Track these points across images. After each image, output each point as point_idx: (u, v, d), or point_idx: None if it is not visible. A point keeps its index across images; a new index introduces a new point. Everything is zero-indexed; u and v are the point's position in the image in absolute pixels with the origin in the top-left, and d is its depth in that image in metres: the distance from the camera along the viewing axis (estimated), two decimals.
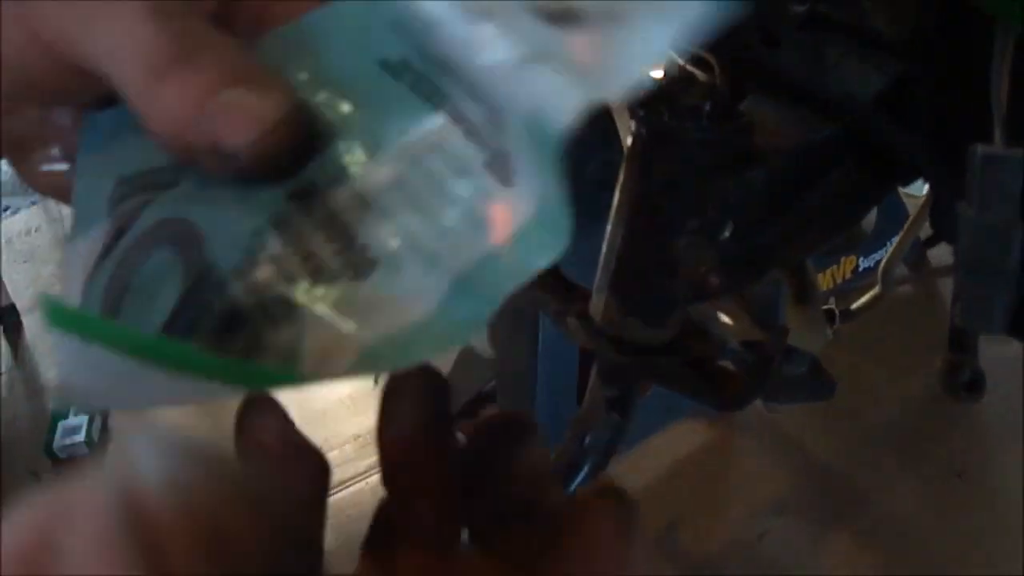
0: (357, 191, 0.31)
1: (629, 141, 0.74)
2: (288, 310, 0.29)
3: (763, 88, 0.84)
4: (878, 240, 1.61)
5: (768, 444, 1.75)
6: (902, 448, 1.73)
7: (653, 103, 0.73)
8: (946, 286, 1.43)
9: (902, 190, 1.40)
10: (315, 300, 0.29)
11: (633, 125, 0.73)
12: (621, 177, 0.75)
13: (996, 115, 0.62)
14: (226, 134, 0.30)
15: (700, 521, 1.65)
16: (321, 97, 0.33)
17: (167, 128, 0.30)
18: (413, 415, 0.31)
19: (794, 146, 0.80)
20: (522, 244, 0.28)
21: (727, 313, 0.82)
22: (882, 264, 1.24)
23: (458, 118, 0.31)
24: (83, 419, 1.93)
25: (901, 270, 1.53)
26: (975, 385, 0.82)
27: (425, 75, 0.32)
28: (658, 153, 0.72)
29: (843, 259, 1.74)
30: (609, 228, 0.77)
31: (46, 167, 0.37)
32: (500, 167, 0.29)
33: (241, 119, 0.30)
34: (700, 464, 1.73)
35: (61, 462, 1.91)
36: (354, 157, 0.31)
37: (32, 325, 2.22)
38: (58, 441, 1.91)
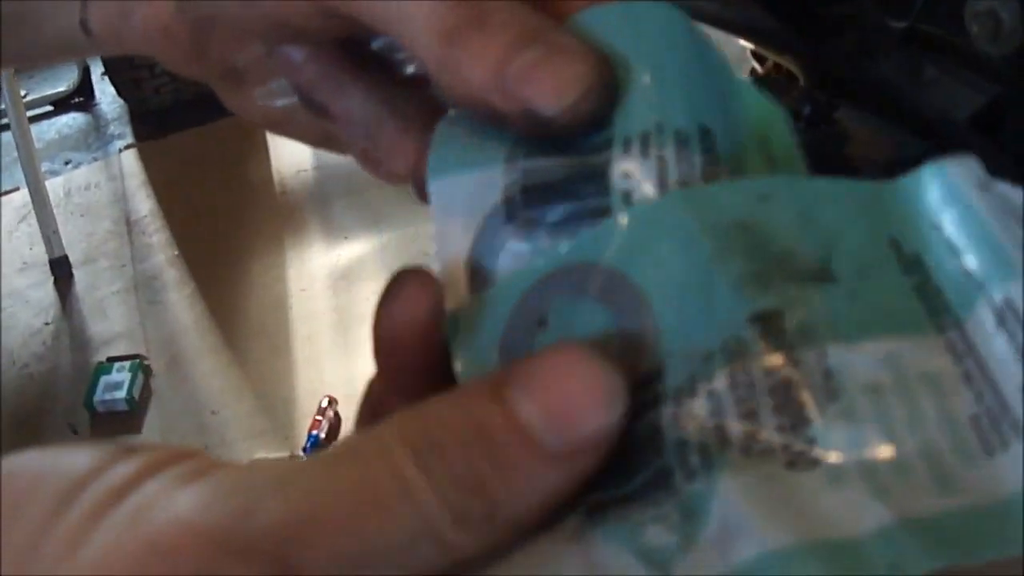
0: (828, 368, 0.27)
1: None
2: (707, 465, 0.26)
3: (858, 100, 0.82)
4: None
5: None
6: None
7: None
8: None
9: None
10: (737, 470, 0.26)
11: None
12: None
13: None
14: (538, 99, 0.29)
15: None
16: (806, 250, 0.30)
17: (468, 94, 0.30)
18: (405, 310, 0.31)
19: (887, 160, 0.78)
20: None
21: None
22: None
23: (960, 356, 0.27)
24: (126, 376, 1.93)
25: None
26: None
27: (938, 287, 0.29)
28: None
29: None
30: None
31: (265, 101, 0.37)
32: (985, 430, 0.26)
33: (552, 83, 0.29)
34: None
35: (100, 417, 1.91)
36: (830, 326, 0.28)
37: (82, 279, 2.23)
38: (99, 396, 1.91)
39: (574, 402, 0.26)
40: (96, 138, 2.62)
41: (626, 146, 0.31)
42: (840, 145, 0.73)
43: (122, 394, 1.91)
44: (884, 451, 0.26)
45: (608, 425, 0.26)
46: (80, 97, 2.74)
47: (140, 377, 1.95)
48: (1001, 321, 0.27)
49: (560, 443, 0.25)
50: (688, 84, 0.32)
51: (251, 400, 1.86)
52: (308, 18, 0.33)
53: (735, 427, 0.27)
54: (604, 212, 0.31)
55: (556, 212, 0.31)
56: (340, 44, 0.35)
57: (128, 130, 2.60)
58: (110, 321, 2.12)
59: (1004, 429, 0.26)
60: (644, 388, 0.28)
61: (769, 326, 0.28)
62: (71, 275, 2.23)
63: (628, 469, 0.27)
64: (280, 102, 0.37)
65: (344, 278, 2.07)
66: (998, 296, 0.27)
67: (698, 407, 0.27)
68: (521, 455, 0.25)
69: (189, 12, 0.35)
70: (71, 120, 2.71)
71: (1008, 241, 0.28)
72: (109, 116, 2.67)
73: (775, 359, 0.27)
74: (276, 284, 2.10)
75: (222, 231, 2.24)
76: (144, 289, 2.17)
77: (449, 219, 0.33)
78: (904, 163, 0.93)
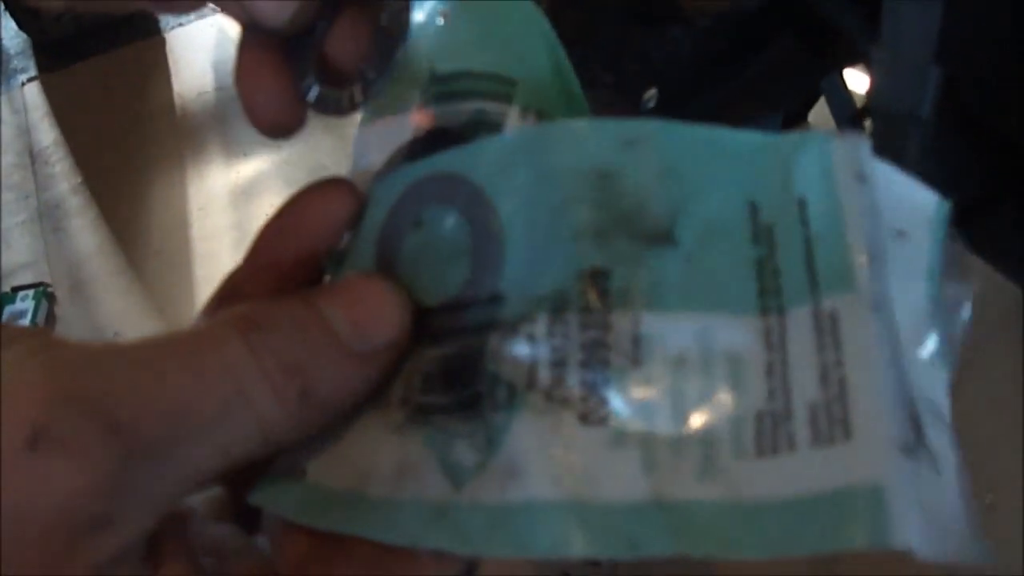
0: (639, 334, 0.28)
1: None
2: (510, 401, 0.29)
3: None
4: None
5: None
6: None
7: None
8: None
9: None
10: (534, 413, 0.28)
11: None
12: None
13: None
14: (259, 13, 0.32)
15: None
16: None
17: None
18: (325, 208, 0.34)
19: (724, 11, 0.78)
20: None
21: None
22: None
23: (771, 346, 0.27)
24: (29, 304, 1.92)
25: None
26: None
27: (778, 268, 0.28)
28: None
29: None
30: None
31: None
32: (766, 432, 0.26)
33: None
34: None
35: None
36: (652, 292, 0.29)
37: None
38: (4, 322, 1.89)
39: (370, 317, 0.30)
40: None
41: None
42: None
43: (26, 321, 1.89)
44: (667, 426, 0.27)
45: (394, 339, 0.30)
46: None
47: (44, 304, 1.94)
48: (819, 330, 0.27)
49: (359, 346, 0.30)
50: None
51: (153, 320, 1.86)
52: None
53: (544, 373, 0.28)
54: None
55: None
56: None
57: (31, 63, 2.56)
58: (14, 251, 2.10)
59: (779, 437, 0.26)
60: (484, 308, 0.30)
61: (594, 284, 0.29)
62: None
63: (457, 382, 0.30)
64: None
65: (244, 194, 2.07)
66: (827, 303, 0.27)
67: (517, 347, 0.29)
68: (331, 349, 0.30)
69: None
70: None
71: (860, 250, 0.27)
72: (12, 51, 2.62)
73: (591, 318, 0.29)
74: (176, 204, 2.09)
75: (124, 156, 2.23)
76: (47, 218, 2.15)
77: (363, 158, 0.35)
78: (743, 15, 0.93)
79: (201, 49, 2.35)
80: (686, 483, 0.27)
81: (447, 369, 0.30)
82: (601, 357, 0.28)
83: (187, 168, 2.17)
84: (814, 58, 0.85)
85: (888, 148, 0.65)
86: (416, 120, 0.34)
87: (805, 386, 0.26)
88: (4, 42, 2.66)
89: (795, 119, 1.38)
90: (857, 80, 1.27)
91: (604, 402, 0.28)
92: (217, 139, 2.22)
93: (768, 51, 0.81)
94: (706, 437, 0.27)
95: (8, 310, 1.92)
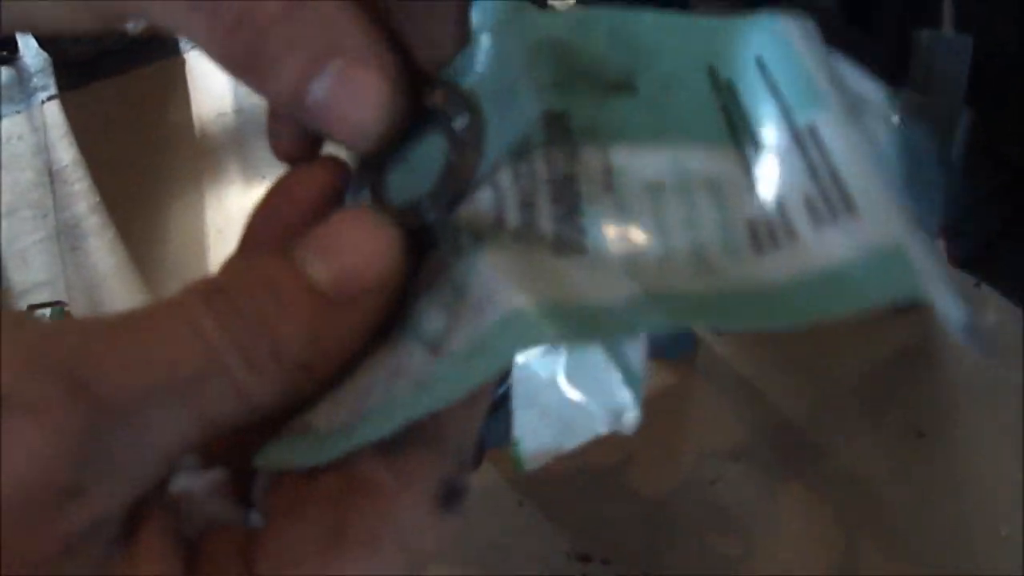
0: (610, 165, 0.28)
1: None
2: (475, 244, 0.28)
3: None
4: None
5: (728, 391, 1.75)
6: (864, 405, 1.72)
7: None
8: None
9: None
10: (501, 249, 0.27)
11: None
12: None
13: (945, 2, 0.61)
14: (339, 135, 0.30)
15: (653, 460, 1.64)
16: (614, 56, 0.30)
17: (277, 103, 0.30)
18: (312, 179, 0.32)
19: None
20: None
21: None
22: None
23: (748, 168, 0.28)
24: None
25: None
26: None
27: (745, 111, 0.29)
28: None
29: None
30: None
31: None
32: (759, 234, 0.27)
33: (348, 120, 0.29)
34: (657, 404, 1.72)
35: None
36: (618, 129, 0.29)
37: (6, 230, 2.20)
38: None
39: (350, 255, 0.28)
40: (20, 91, 2.59)
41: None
42: None
43: None
44: (649, 244, 0.27)
45: (384, 272, 0.28)
46: (3, 51, 2.71)
47: None
48: (799, 142, 0.27)
49: (340, 291, 0.27)
50: None
51: None
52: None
53: (512, 215, 0.28)
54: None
55: None
56: None
57: (51, 81, 2.57)
58: (31, 270, 2.10)
59: (777, 233, 0.26)
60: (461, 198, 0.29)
61: (555, 125, 0.29)
62: None
63: (426, 269, 0.29)
64: None
65: None
66: (802, 121, 0.28)
67: (481, 199, 0.28)
68: (303, 302, 0.27)
69: None
70: None
71: (823, 79, 0.28)
72: (33, 68, 2.64)
73: (557, 154, 0.28)
74: (194, 226, 2.09)
75: (143, 177, 2.24)
76: (66, 237, 2.15)
77: None
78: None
79: (220, 71, 2.35)
80: (682, 282, 0.26)
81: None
82: (572, 190, 0.28)
83: (205, 190, 2.17)
84: None
85: (922, 191, 0.65)
86: None
87: (794, 185, 0.27)
88: (25, 60, 2.68)
89: None
90: None
91: (581, 232, 0.27)
92: (235, 161, 2.22)
93: None
94: (695, 247, 0.27)
95: None
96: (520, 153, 0.29)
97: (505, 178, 0.28)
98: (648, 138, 0.29)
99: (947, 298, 0.23)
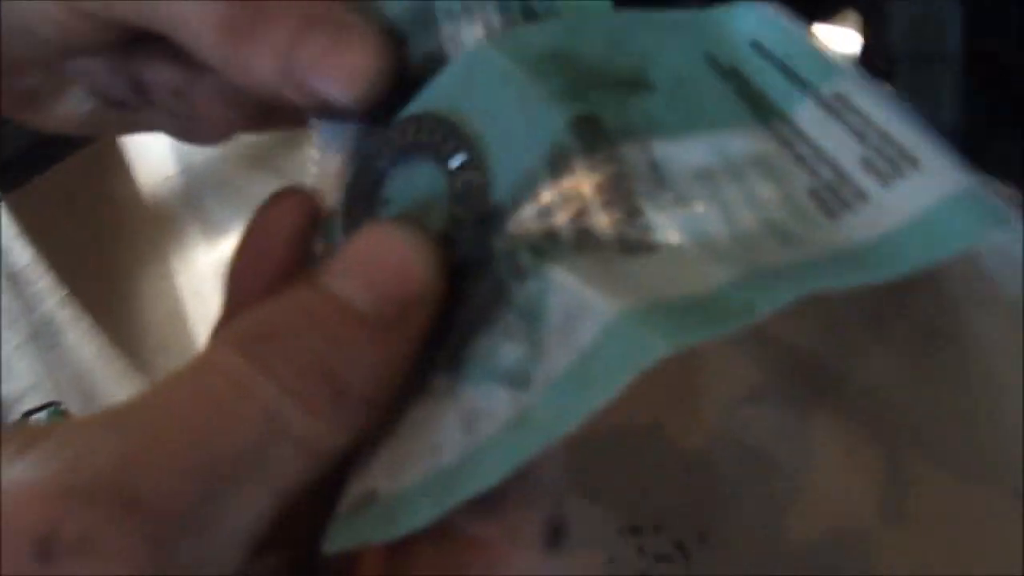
0: (654, 160, 0.28)
1: None
2: (538, 262, 0.26)
3: None
4: None
5: (739, 337, 1.74)
6: (870, 320, 1.72)
7: None
8: None
9: None
10: (570, 262, 0.26)
11: None
12: None
13: None
14: (329, 92, 0.29)
15: (680, 420, 1.64)
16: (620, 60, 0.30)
17: (259, 86, 0.30)
18: (282, 216, 0.31)
19: None
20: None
21: None
22: None
23: (787, 143, 0.29)
24: None
25: None
26: None
27: (760, 91, 0.30)
28: None
29: None
30: None
31: (69, 109, 0.37)
32: (826, 199, 0.27)
33: (339, 75, 0.29)
34: (672, 364, 1.71)
35: None
36: (651, 123, 0.29)
37: None
38: None
39: (388, 270, 0.26)
40: None
41: (451, 17, 0.31)
42: None
43: None
44: (723, 228, 0.27)
45: (426, 280, 0.26)
46: None
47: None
48: (831, 110, 0.28)
49: (384, 311, 0.26)
50: None
51: None
52: (85, 36, 0.32)
53: (566, 228, 0.26)
54: None
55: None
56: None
57: None
58: (17, 377, 2.09)
59: (845, 196, 0.27)
60: (485, 225, 0.28)
61: (587, 128, 0.28)
62: None
63: (469, 305, 0.27)
64: (83, 107, 0.37)
65: None
66: (827, 91, 0.28)
67: (527, 216, 0.27)
68: (352, 330, 0.25)
69: None
70: None
71: (828, 51, 0.29)
72: None
73: (598, 157, 0.27)
74: (168, 295, 2.09)
75: (104, 259, 2.23)
76: (42, 336, 2.14)
77: (328, 141, 0.34)
78: None
79: (156, 135, 2.34)
80: (771, 256, 0.26)
81: (462, 302, 0.27)
82: (625, 189, 0.27)
83: (170, 257, 2.16)
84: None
85: (921, 92, 0.65)
86: None
87: (845, 150, 0.27)
88: None
89: None
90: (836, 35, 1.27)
91: (646, 230, 0.26)
92: (193, 220, 2.21)
93: None
94: (768, 223, 0.27)
95: None
96: (555, 162, 0.27)
97: (547, 194, 0.27)
98: (681, 129, 0.28)
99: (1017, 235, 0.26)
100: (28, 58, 0.35)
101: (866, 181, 0.27)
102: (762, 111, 0.29)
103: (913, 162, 0.27)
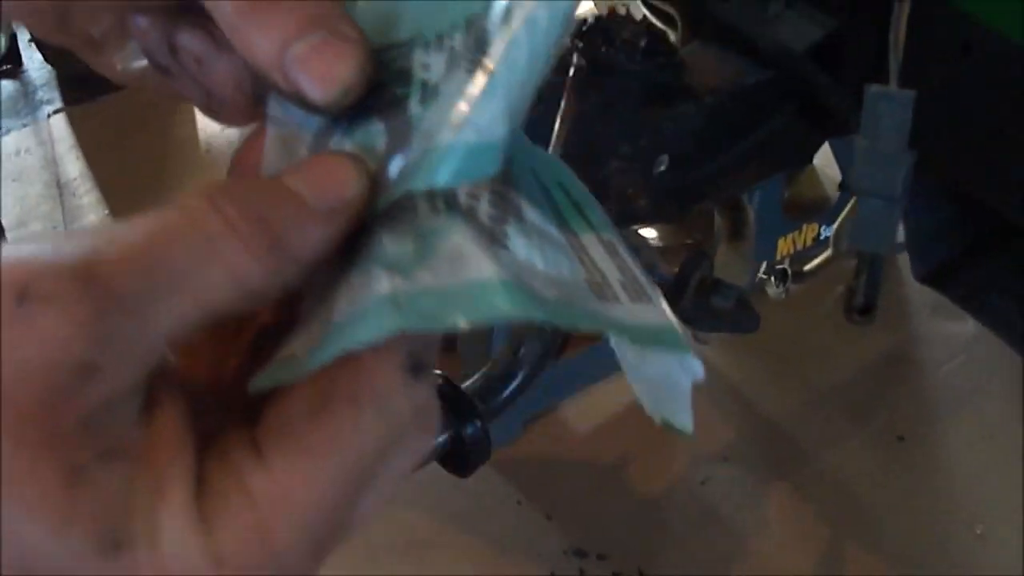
0: (521, 209, 0.36)
1: (571, 72, 0.80)
2: (450, 211, 0.33)
3: (713, 38, 0.89)
4: (839, 209, 1.66)
5: (717, 397, 1.81)
6: (848, 409, 1.79)
7: (592, 37, 0.78)
8: (903, 260, 1.50)
9: None
10: (467, 224, 0.33)
11: (574, 57, 0.79)
12: (562, 105, 0.81)
13: (892, 59, 0.68)
14: (306, 87, 0.34)
15: (647, 461, 1.71)
16: None
17: (255, 65, 0.35)
18: None
19: (728, 87, 0.85)
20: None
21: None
22: (835, 227, 1.29)
23: (582, 248, 0.37)
24: None
25: None
26: (866, 310, 0.89)
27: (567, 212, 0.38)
28: (594, 81, 0.78)
29: (805, 226, 1.79)
30: (549, 151, 0.83)
31: (123, 64, 0.41)
32: (599, 289, 0.36)
33: (320, 76, 0.34)
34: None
35: None
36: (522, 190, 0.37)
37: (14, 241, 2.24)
38: None
39: (330, 180, 0.33)
40: (25, 104, 2.62)
41: (425, 47, 0.36)
42: (679, 75, 0.80)
43: None
44: (540, 264, 0.34)
45: (354, 197, 0.33)
46: (8, 64, 2.74)
47: None
48: (607, 247, 0.38)
49: (321, 204, 0.32)
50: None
51: None
52: None
53: (464, 199, 0.33)
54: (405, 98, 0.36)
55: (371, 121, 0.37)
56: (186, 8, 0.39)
57: (56, 95, 2.60)
58: None
59: (609, 296, 0.37)
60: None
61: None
62: (3, 238, 2.25)
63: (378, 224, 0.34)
64: (136, 64, 0.41)
65: None
66: (605, 236, 0.38)
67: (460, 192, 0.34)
68: (296, 207, 0.32)
69: None
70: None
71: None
72: (38, 82, 2.67)
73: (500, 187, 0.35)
74: None
75: (149, 191, 2.26)
76: None
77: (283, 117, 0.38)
78: (746, 91, 1.01)
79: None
80: (554, 290, 0.34)
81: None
82: (506, 203, 0.35)
83: None
84: (813, 127, 0.92)
85: (867, 224, 0.73)
86: None
87: (611, 272, 0.37)
88: (30, 73, 2.71)
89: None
90: None
91: (505, 235, 0.34)
92: None
93: (770, 121, 0.89)
94: (558, 279, 0.34)
95: None
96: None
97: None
98: (534, 203, 0.37)
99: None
100: (103, 6, 0.39)
101: (622, 294, 0.36)
102: (563, 221, 0.37)
103: (648, 298, 0.37)
